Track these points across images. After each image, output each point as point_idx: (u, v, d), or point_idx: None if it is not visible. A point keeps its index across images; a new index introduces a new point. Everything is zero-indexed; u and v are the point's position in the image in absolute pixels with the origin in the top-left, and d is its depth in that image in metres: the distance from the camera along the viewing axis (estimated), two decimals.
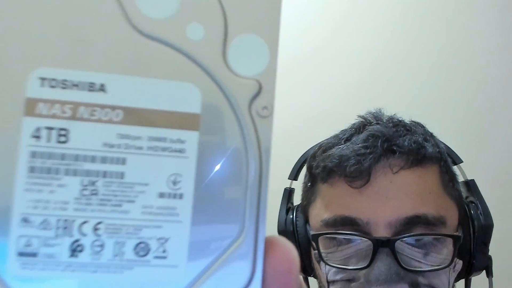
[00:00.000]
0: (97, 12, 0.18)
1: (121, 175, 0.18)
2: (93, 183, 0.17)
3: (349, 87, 1.01)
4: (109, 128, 0.18)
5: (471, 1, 1.02)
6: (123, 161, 0.18)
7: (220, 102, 0.19)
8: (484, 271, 0.52)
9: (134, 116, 0.18)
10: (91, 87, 0.18)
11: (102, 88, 0.18)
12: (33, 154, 0.17)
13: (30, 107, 0.17)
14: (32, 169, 0.17)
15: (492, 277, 0.53)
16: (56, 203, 0.17)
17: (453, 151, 0.54)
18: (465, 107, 0.99)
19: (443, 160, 0.50)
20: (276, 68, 0.19)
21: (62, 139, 0.17)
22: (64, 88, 0.17)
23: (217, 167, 0.18)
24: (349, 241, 0.47)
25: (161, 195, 0.18)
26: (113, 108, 0.18)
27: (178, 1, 0.18)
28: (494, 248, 0.52)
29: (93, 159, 0.17)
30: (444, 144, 0.53)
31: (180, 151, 0.18)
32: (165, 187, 0.18)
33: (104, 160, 0.18)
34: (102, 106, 0.18)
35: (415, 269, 0.46)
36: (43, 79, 0.17)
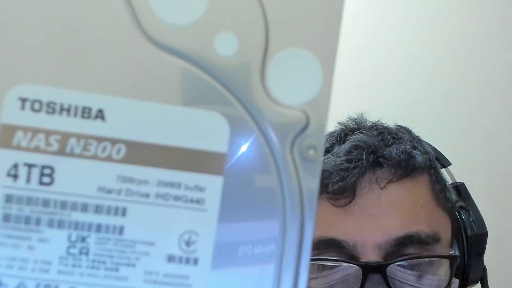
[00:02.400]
0: (99, 15, 0.14)
1: (120, 230, 0.14)
2: (83, 239, 0.13)
3: (349, 87, 0.98)
4: (107, 168, 0.14)
5: (471, 1, 0.98)
6: (123, 212, 0.14)
7: (254, 138, 0.14)
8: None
9: (140, 153, 0.14)
10: (85, 113, 0.13)
11: (100, 115, 0.13)
12: (8, 198, 0.13)
13: (6, 136, 0.13)
14: (6, 218, 0.13)
15: None
16: (36, 263, 0.13)
17: (441, 153, 0.50)
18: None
19: (433, 167, 0.46)
20: (330, 96, 0.14)
21: (46, 180, 0.13)
22: (50, 113, 0.13)
23: (245, 226, 0.14)
24: (334, 266, 0.43)
25: (170, 258, 0.14)
26: (113, 141, 0.14)
27: (204, 1, 0.14)
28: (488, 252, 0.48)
29: (84, 208, 0.13)
30: (432, 146, 0.49)
31: (198, 201, 0.14)
32: (176, 249, 0.14)
33: (98, 209, 0.14)
34: (99, 139, 0.13)
35: None
36: (24, 99, 0.13)
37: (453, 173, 0.49)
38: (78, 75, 0.13)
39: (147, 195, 0.14)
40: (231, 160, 0.14)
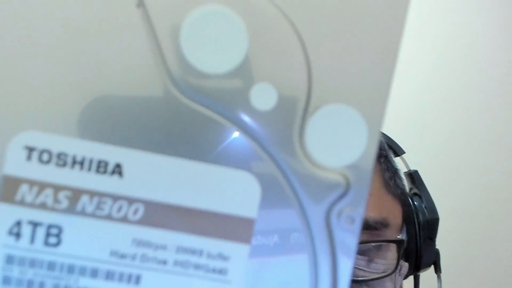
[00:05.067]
0: (124, 55, 0.12)
1: None
2: None
3: None
4: (122, 230, 0.12)
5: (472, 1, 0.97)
6: (136, 280, 0.12)
7: (286, 204, 0.13)
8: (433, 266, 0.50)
9: (160, 214, 0.12)
10: (101, 167, 0.12)
11: (117, 170, 0.12)
12: (9, 259, 0.12)
13: (9, 189, 0.12)
14: (6, 280, 0.12)
15: (441, 272, 0.50)
16: None
17: (395, 142, 0.51)
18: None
19: (384, 155, 0.47)
20: (375, 159, 0.13)
21: (52, 240, 0.12)
22: (61, 165, 0.12)
23: None
24: None
25: None
26: (131, 200, 0.12)
27: (243, 49, 0.12)
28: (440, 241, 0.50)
29: (94, 274, 0.12)
30: (385, 135, 0.50)
31: (221, 272, 0.12)
32: None
33: (110, 276, 0.12)
34: (115, 197, 0.12)
35: (359, 279, 0.43)
36: (31, 149, 0.12)
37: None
38: (95, 123, 0.12)
39: (164, 262, 0.12)
40: (261, 227, 0.12)
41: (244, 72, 0.12)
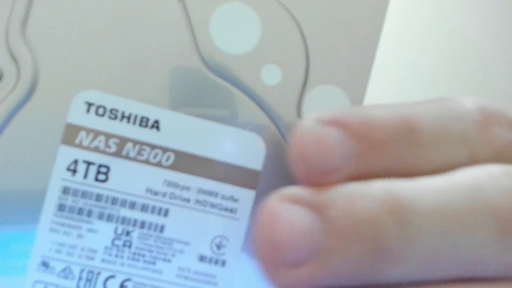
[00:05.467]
0: (165, 37, 0.15)
1: (161, 228, 0.15)
2: (128, 233, 0.15)
3: None
4: (157, 173, 0.15)
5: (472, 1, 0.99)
6: (165, 213, 0.15)
7: (286, 159, 0.16)
8: None
9: (187, 162, 0.15)
10: (143, 122, 0.15)
11: (155, 125, 0.15)
12: (66, 190, 0.15)
13: (70, 134, 0.15)
14: (61, 207, 0.15)
15: None
16: (83, 250, 0.15)
17: None
18: None
19: None
20: None
21: (101, 177, 0.15)
22: (112, 118, 0.15)
23: None
24: None
25: (202, 258, 0.15)
26: (165, 149, 0.15)
27: (257, 37, 0.16)
28: None
29: (132, 205, 0.15)
30: None
31: (232, 210, 0.16)
32: (207, 250, 0.15)
33: (144, 208, 0.15)
34: (153, 146, 0.15)
35: None
36: (90, 104, 0.15)
37: None
38: (140, 87, 0.15)
39: (188, 200, 0.15)
40: (265, 177, 0.16)
41: (257, 55, 0.16)
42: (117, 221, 0.15)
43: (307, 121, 0.12)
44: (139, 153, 0.15)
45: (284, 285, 0.11)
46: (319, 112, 0.12)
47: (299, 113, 0.16)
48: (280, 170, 0.16)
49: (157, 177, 0.15)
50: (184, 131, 0.15)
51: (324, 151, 0.12)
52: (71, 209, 0.15)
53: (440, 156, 0.12)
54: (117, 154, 0.15)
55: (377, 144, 0.12)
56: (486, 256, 0.12)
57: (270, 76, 0.16)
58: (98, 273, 0.15)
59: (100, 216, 0.15)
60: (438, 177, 0.12)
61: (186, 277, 0.15)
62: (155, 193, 0.15)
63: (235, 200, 0.16)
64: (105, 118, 0.15)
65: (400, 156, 0.12)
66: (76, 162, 0.15)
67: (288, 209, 0.11)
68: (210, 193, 0.15)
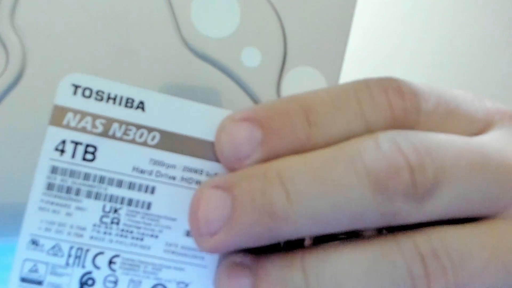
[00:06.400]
0: (148, 23, 0.16)
1: (148, 205, 0.16)
2: (115, 211, 0.16)
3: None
4: (143, 152, 0.16)
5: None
6: (152, 190, 0.16)
7: None
8: None
9: (172, 141, 0.16)
10: (128, 103, 0.16)
11: (140, 106, 0.16)
12: (54, 170, 0.15)
13: (58, 116, 0.15)
14: (50, 186, 0.15)
15: None
16: (72, 228, 0.15)
17: None
18: None
19: None
20: None
21: (89, 156, 0.15)
22: (99, 100, 0.16)
23: None
24: None
25: (188, 233, 0.16)
26: (150, 129, 0.16)
27: (237, 21, 0.16)
28: None
29: (119, 184, 0.16)
30: None
31: None
32: None
33: (131, 186, 0.16)
34: (138, 126, 0.16)
35: None
36: (76, 86, 0.15)
37: None
38: (126, 70, 0.16)
39: (173, 178, 0.16)
40: None
41: (237, 38, 0.16)
42: (105, 199, 0.15)
43: (224, 121, 0.16)
44: (125, 133, 0.16)
45: (207, 250, 0.15)
46: (235, 112, 0.16)
47: (278, 94, 0.17)
48: None
49: (143, 156, 0.16)
50: (169, 112, 0.16)
51: (234, 144, 0.15)
52: (60, 188, 0.15)
53: (335, 131, 0.15)
54: (104, 134, 0.15)
55: (276, 130, 0.15)
56: (364, 210, 0.14)
57: (250, 58, 0.17)
58: (87, 250, 0.15)
59: (88, 195, 0.15)
60: (328, 149, 0.15)
61: (173, 252, 0.16)
62: (142, 171, 0.16)
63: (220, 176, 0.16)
64: (92, 100, 0.15)
65: (296, 137, 0.15)
66: (64, 142, 0.15)
67: (207, 192, 0.15)
68: (195, 171, 0.16)
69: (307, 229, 0.14)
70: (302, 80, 0.17)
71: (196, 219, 0.15)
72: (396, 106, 0.15)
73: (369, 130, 0.15)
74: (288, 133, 0.15)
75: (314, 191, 0.14)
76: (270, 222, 0.14)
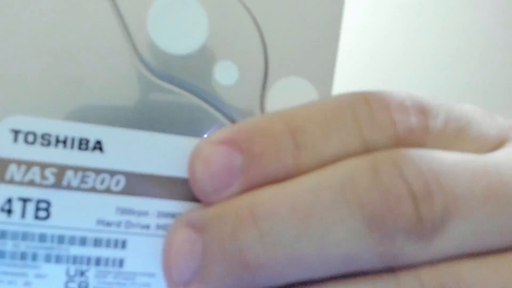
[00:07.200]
0: (97, 43, 0.13)
1: (120, 262, 0.13)
2: (82, 273, 0.13)
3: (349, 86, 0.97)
4: (106, 200, 0.13)
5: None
6: (123, 244, 0.13)
7: None
8: None
9: (139, 184, 0.13)
10: (83, 144, 0.13)
11: (98, 146, 0.13)
12: (3, 234, 0.13)
13: None
14: (1, 254, 0.13)
15: None
16: None
17: None
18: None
19: None
20: None
21: (42, 214, 0.13)
22: (45, 145, 0.13)
23: None
24: None
25: None
26: (112, 173, 0.13)
27: (204, 32, 0.13)
28: None
29: (83, 242, 0.13)
30: None
31: None
32: None
33: (98, 242, 0.13)
34: (98, 171, 0.13)
35: None
36: (16, 131, 0.13)
37: None
38: (74, 105, 0.13)
39: (147, 227, 0.13)
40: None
41: (207, 52, 0.14)
42: (67, 262, 0.13)
43: (199, 145, 0.13)
44: (82, 181, 0.13)
45: None
46: (211, 133, 0.13)
47: (263, 111, 0.14)
48: None
49: (107, 206, 0.13)
50: (132, 149, 0.13)
51: (211, 172, 0.13)
52: (13, 255, 0.13)
53: (328, 154, 0.12)
54: (57, 185, 0.13)
55: (258, 155, 0.12)
56: (357, 252, 0.12)
57: (225, 75, 0.14)
58: None
59: (47, 259, 0.13)
60: (313, 174, 0.12)
61: None
62: (108, 224, 0.13)
63: None
64: (37, 146, 0.13)
65: (282, 162, 0.12)
66: (10, 201, 0.13)
67: (179, 233, 0.13)
68: (172, 215, 0.14)
69: (289, 276, 0.12)
70: (289, 93, 0.14)
71: (168, 266, 0.13)
72: (400, 124, 0.12)
73: (368, 148, 0.12)
74: (272, 157, 0.12)
75: (293, 230, 0.12)
76: (242, 272, 0.12)
